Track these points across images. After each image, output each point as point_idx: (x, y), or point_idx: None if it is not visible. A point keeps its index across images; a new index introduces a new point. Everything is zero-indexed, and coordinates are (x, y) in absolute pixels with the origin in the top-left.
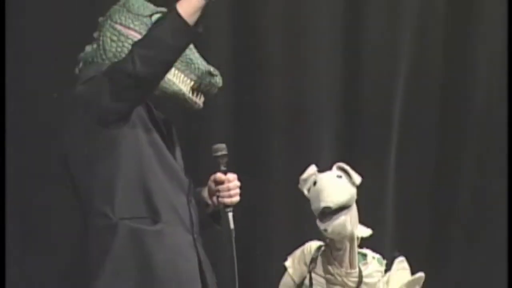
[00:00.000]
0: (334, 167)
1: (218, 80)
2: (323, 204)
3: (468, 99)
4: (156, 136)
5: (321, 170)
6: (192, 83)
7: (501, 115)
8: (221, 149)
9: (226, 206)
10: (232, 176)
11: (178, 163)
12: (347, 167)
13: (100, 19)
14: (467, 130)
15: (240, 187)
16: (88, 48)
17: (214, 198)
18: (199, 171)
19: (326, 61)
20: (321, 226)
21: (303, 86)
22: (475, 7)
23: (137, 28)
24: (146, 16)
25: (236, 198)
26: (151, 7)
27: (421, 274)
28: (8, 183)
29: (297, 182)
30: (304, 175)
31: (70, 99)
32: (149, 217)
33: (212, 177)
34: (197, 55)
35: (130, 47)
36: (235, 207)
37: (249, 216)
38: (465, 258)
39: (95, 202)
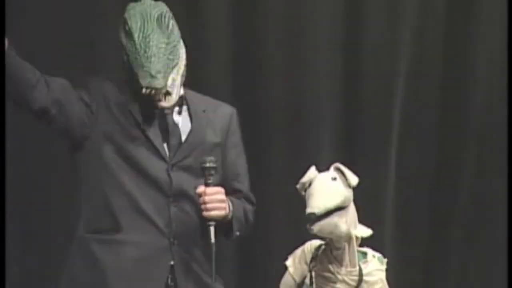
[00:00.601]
0: (331, 168)
1: (154, 81)
2: (308, 210)
3: (468, 99)
4: (133, 137)
5: (321, 170)
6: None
7: (501, 115)
8: (208, 161)
9: (207, 219)
10: (211, 190)
11: (167, 158)
12: (344, 168)
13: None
14: (467, 130)
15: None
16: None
17: None
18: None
19: (326, 61)
20: (308, 227)
21: (303, 86)
22: (475, 7)
23: (123, 40)
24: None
25: (215, 212)
26: (125, 14)
27: None
28: (8, 183)
29: (297, 182)
30: (304, 179)
31: None
32: (112, 228)
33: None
34: (149, 57)
35: (124, 56)
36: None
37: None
38: (465, 258)
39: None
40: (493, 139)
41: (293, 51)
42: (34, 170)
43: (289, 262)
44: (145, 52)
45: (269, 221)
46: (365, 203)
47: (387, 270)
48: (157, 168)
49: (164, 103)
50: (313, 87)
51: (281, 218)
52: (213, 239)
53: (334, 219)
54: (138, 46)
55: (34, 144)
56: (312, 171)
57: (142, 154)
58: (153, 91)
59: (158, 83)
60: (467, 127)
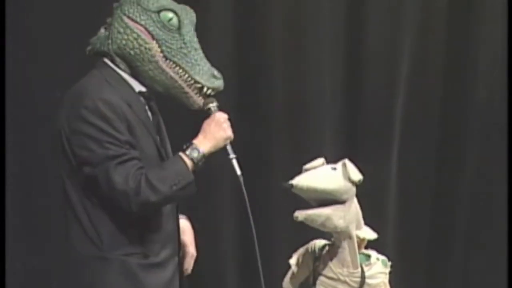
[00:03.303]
0: (339, 163)
1: (221, 83)
2: (290, 181)
3: (469, 99)
4: (156, 154)
5: None
6: (196, 84)
7: (502, 115)
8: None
9: (228, 154)
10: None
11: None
12: (348, 163)
13: (114, 4)
14: (468, 130)
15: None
16: (101, 33)
17: None
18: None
19: (328, 60)
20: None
21: (305, 85)
22: (475, 7)
23: (143, 22)
24: (154, 12)
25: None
26: (162, 2)
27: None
28: (8, 183)
29: None
30: (308, 165)
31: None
32: (141, 252)
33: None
34: (202, 55)
35: (134, 41)
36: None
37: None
38: (465, 258)
39: (84, 224)
40: (494, 138)
41: (295, 51)
42: (34, 170)
43: (292, 261)
44: (195, 49)
45: (270, 220)
46: (366, 201)
47: (390, 273)
48: None
49: (201, 102)
50: (315, 86)
51: (282, 216)
52: (239, 171)
53: (326, 211)
54: (186, 40)
55: (34, 144)
56: (319, 160)
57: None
58: (209, 91)
59: (222, 84)
60: (468, 126)
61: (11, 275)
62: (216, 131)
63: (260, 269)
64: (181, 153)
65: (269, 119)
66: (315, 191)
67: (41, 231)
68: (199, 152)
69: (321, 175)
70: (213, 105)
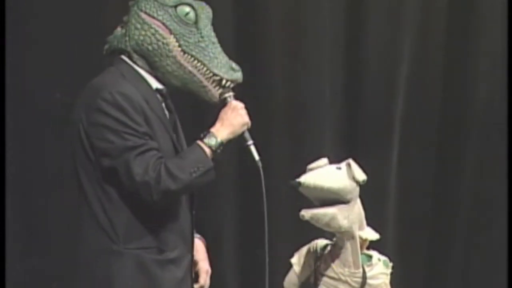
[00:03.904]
0: (343, 163)
1: (240, 75)
2: (297, 179)
3: (469, 99)
4: (173, 151)
5: None
6: (214, 76)
7: (502, 115)
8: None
9: (245, 140)
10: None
11: None
12: (352, 163)
13: (130, 2)
14: (468, 130)
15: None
16: (117, 31)
17: None
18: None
19: (328, 60)
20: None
21: (305, 85)
22: (475, 7)
23: (160, 17)
24: (171, 7)
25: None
26: None
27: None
28: (8, 183)
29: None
30: (313, 165)
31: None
32: (156, 246)
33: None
34: (219, 49)
35: (152, 36)
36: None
37: (250, 214)
38: (466, 258)
39: (100, 218)
40: (494, 138)
41: (295, 51)
42: (34, 170)
43: (294, 260)
44: (213, 43)
45: (271, 220)
46: (366, 201)
47: (392, 274)
48: None
49: (217, 95)
50: (314, 86)
51: (282, 216)
52: (257, 156)
53: (332, 210)
54: (203, 34)
55: (34, 144)
56: (323, 160)
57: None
58: (229, 83)
59: (241, 76)
60: (468, 126)
61: (11, 275)
62: (233, 118)
63: (267, 261)
64: (199, 141)
65: (269, 119)
66: (321, 189)
67: (41, 232)
68: (217, 139)
69: (327, 174)
70: (229, 94)
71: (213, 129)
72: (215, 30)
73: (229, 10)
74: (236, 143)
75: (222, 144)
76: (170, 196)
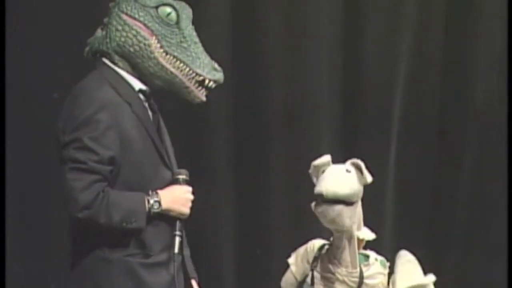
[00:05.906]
0: (348, 162)
1: (221, 76)
2: (317, 189)
3: (468, 99)
4: (155, 153)
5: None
6: (197, 77)
7: (501, 115)
8: (184, 173)
9: (174, 229)
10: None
11: (171, 162)
12: (361, 164)
13: (110, 4)
14: (467, 130)
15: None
16: (98, 33)
17: None
18: (199, 170)
19: (326, 60)
20: (313, 207)
21: (304, 85)
22: (474, 6)
23: (141, 19)
24: (152, 7)
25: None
26: None
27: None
28: (8, 183)
29: (297, 181)
30: (317, 162)
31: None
32: (141, 253)
33: None
34: (202, 49)
35: (133, 38)
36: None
37: (249, 214)
38: (465, 258)
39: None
40: (493, 139)
41: (294, 50)
42: (34, 170)
43: (291, 260)
44: (195, 43)
45: (270, 220)
46: (364, 201)
47: (389, 274)
48: (166, 179)
49: (203, 96)
50: (313, 86)
51: (281, 216)
52: (176, 250)
53: (340, 207)
54: (185, 34)
55: (34, 144)
56: (326, 157)
57: (158, 167)
58: (211, 83)
59: (222, 77)
60: (467, 126)
61: (11, 276)
62: (182, 204)
63: None
64: (146, 197)
65: (268, 119)
66: (337, 196)
67: (41, 233)
68: (159, 207)
69: (342, 179)
70: (182, 176)
71: (162, 196)
72: (214, 31)
73: (228, 10)
74: (235, 144)
75: (159, 212)
76: (92, 224)
